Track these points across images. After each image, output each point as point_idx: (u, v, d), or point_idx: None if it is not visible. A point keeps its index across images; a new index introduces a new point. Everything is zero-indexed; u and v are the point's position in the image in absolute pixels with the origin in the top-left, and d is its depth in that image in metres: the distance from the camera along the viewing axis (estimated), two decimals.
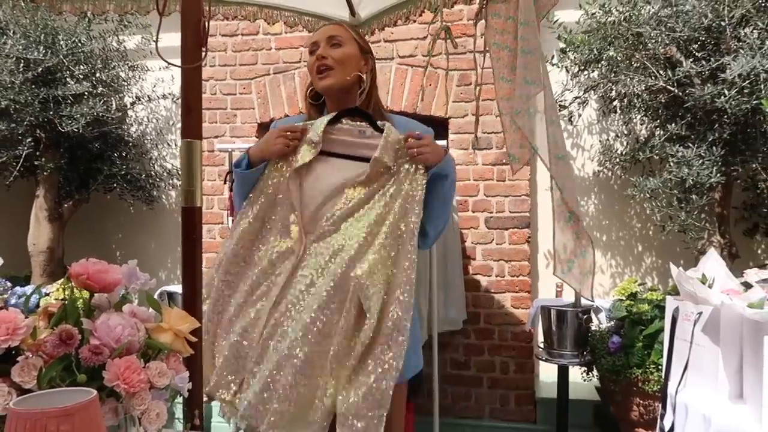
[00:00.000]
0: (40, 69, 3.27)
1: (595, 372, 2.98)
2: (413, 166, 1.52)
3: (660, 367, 2.50)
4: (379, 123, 1.57)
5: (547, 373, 3.51)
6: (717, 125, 2.77)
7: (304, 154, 1.54)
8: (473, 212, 3.52)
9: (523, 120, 1.40)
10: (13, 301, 3.10)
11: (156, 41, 1.33)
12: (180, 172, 4.35)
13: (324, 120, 1.57)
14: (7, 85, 3.19)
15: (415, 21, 2.43)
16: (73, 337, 0.98)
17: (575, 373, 3.06)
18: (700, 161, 2.69)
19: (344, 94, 1.64)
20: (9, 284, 3.33)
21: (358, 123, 1.58)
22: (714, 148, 2.71)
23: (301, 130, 1.57)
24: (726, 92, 2.59)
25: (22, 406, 0.82)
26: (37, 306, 3.08)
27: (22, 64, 3.23)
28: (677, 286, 1.96)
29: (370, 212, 1.50)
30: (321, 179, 1.54)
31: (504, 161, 3.42)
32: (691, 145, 2.74)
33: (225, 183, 3.11)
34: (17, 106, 3.27)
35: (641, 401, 2.67)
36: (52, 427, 0.78)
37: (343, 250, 1.49)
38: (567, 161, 1.45)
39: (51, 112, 3.36)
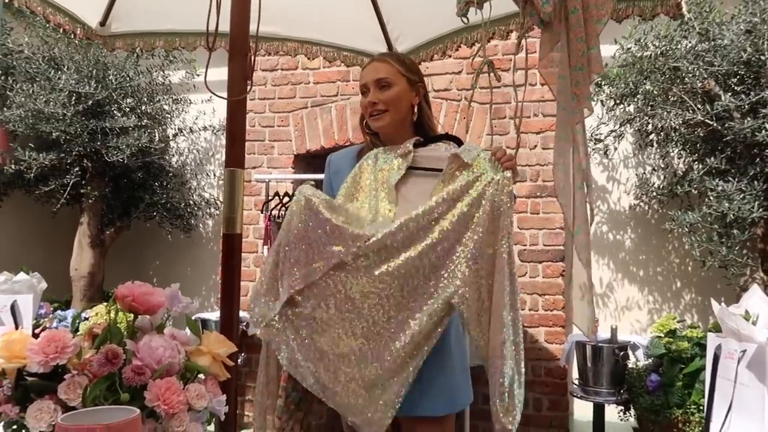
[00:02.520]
0: (90, 102, 3.44)
1: (632, 411, 2.89)
2: (500, 174, 1.49)
3: (701, 407, 2.42)
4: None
5: (582, 411, 3.41)
6: (758, 159, 2.72)
7: (395, 172, 1.55)
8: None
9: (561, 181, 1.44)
10: (54, 325, 3.19)
11: (205, 75, 1.40)
12: (218, 202, 4.47)
13: (410, 144, 1.58)
14: (59, 117, 3.35)
15: (450, 56, 2.48)
16: (118, 356, 1.01)
17: (612, 412, 2.97)
18: (741, 195, 2.63)
19: (398, 128, 1.67)
20: (51, 308, 3.43)
21: (444, 144, 1.61)
22: (755, 182, 2.66)
23: None
24: (767, 126, 2.55)
25: (70, 422, 0.85)
26: (77, 330, 3.17)
27: (73, 98, 3.39)
28: (719, 322, 1.91)
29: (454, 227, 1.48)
30: (405, 196, 1.55)
31: (538, 194, 3.41)
32: (731, 179, 2.69)
33: (262, 212, 3.17)
34: (67, 137, 3.43)
35: None
36: None
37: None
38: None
39: (98, 143, 3.51)
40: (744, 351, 1.75)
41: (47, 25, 3.10)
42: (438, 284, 1.46)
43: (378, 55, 1.73)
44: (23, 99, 3.33)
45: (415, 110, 1.69)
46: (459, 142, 1.62)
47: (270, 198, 3.12)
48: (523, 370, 1.46)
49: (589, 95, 1.47)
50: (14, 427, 1.02)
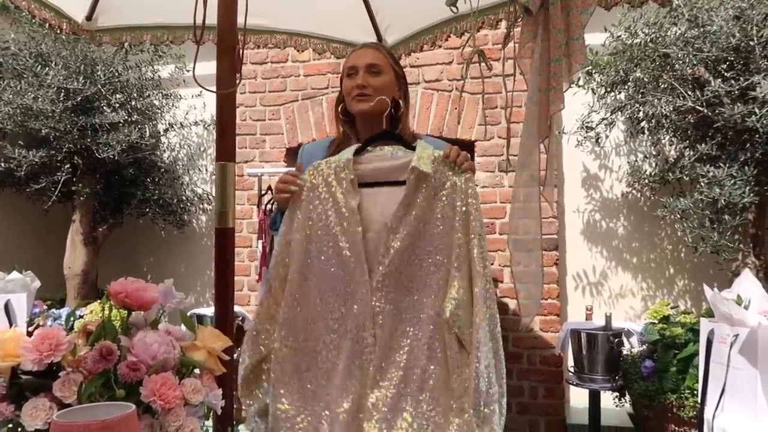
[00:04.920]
0: (79, 98, 3.40)
1: (627, 397, 2.91)
2: (461, 177, 1.45)
3: (695, 392, 2.44)
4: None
5: (577, 398, 3.43)
6: (748, 145, 2.73)
7: (347, 198, 1.47)
8: (500, 234, 3.52)
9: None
10: (49, 323, 3.18)
11: (193, 70, 1.39)
12: (210, 197, 4.45)
13: (350, 153, 1.51)
14: (48, 113, 3.32)
15: (440, 46, 2.48)
16: (112, 353, 1.01)
17: (607, 399, 2.99)
18: (732, 181, 2.65)
19: (375, 117, 1.65)
20: (45, 306, 3.42)
21: (388, 147, 1.53)
22: (746, 167, 2.67)
23: (295, 172, 1.54)
24: (757, 111, 2.56)
25: (65, 419, 0.85)
26: (72, 328, 3.15)
27: (62, 94, 3.36)
28: (712, 307, 1.92)
29: (428, 237, 1.44)
30: (366, 216, 1.48)
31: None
32: (722, 165, 2.70)
33: (258, 207, 3.16)
34: (57, 134, 3.40)
35: (676, 427, 2.60)
36: None
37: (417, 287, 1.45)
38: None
39: (88, 140, 3.48)
40: (736, 335, 1.76)
41: (33, 21, 3.06)
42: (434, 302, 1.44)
43: (369, 42, 1.72)
44: (11, 96, 3.29)
45: (400, 105, 1.68)
46: (400, 140, 1.55)
47: (264, 192, 3.11)
48: (503, 381, 1.44)
49: (562, 88, 1.47)
50: (10, 425, 1.01)
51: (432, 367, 1.42)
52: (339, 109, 1.72)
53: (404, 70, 1.75)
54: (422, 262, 1.44)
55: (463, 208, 1.45)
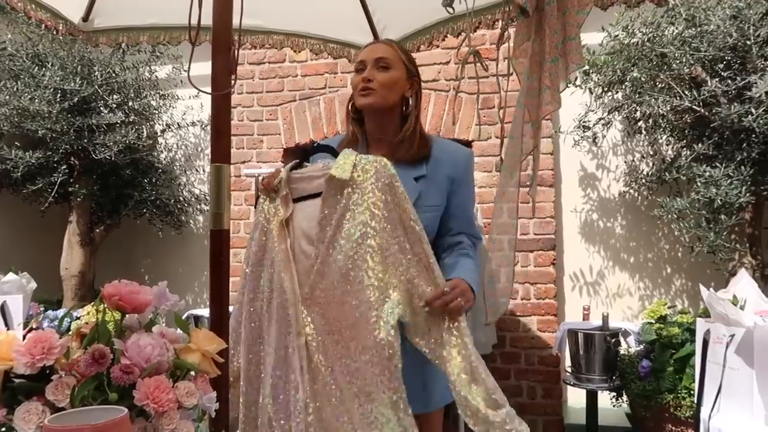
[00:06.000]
0: (76, 99, 3.40)
1: (624, 397, 2.91)
2: (378, 161, 1.43)
3: (692, 391, 2.44)
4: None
5: (575, 398, 3.43)
6: (745, 144, 2.73)
7: (283, 212, 1.50)
8: (498, 235, 3.51)
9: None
10: (45, 325, 3.17)
11: (188, 70, 1.38)
12: (208, 198, 4.44)
13: (287, 170, 1.54)
14: (44, 114, 3.32)
15: (438, 46, 2.47)
16: (105, 356, 1.00)
17: (605, 399, 2.99)
18: (729, 181, 2.65)
19: (384, 114, 1.62)
20: (42, 308, 3.41)
21: (322, 160, 1.53)
22: (742, 167, 2.67)
23: (272, 175, 1.57)
24: (753, 111, 2.56)
25: (57, 423, 0.84)
26: (68, 329, 3.14)
27: (59, 95, 3.35)
28: (708, 308, 1.92)
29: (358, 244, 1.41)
30: (299, 228, 1.49)
31: (528, 183, 3.41)
32: (718, 164, 2.71)
33: (256, 207, 3.15)
34: (53, 135, 3.39)
35: (673, 427, 2.60)
36: None
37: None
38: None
39: (85, 141, 3.47)
40: (732, 335, 1.77)
41: (29, 22, 3.05)
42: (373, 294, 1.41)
43: (383, 39, 1.69)
44: (8, 97, 3.29)
45: (409, 104, 1.63)
46: (335, 153, 1.53)
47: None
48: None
49: (559, 88, 1.46)
50: (2, 429, 1.01)
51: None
52: (350, 106, 1.68)
53: None
54: (359, 263, 1.41)
55: (389, 190, 1.42)
